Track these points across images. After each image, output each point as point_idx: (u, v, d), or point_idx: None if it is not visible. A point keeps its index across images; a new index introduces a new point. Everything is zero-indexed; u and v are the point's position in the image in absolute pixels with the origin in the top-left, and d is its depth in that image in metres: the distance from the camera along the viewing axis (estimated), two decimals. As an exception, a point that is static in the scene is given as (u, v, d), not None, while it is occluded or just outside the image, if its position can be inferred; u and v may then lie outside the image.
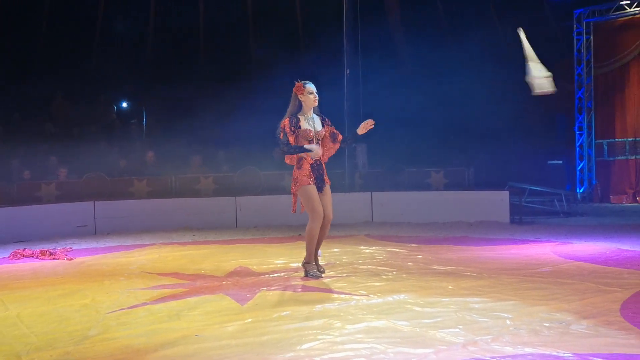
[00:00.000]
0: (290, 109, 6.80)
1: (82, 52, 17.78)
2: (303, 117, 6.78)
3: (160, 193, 13.69)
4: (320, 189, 6.76)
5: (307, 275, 6.78)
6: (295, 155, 6.78)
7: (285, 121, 6.75)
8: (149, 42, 18.50)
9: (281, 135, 6.77)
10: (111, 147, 15.47)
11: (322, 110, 6.95)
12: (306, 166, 6.72)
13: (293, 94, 6.80)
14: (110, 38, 18.17)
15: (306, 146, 6.70)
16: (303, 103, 6.77)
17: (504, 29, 17.15)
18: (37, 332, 4.85)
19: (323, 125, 6.87)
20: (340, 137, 6.97)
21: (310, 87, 6.79)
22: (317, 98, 6.80)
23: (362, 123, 6.83)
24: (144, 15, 18.26)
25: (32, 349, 4.43)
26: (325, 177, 6.84)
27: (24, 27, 17.24)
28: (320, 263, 7.02)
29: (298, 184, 6.73)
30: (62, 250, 9.26)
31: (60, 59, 17.02)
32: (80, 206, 12.10)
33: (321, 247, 7.09)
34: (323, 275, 6.82)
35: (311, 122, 6.80)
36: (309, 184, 6.70)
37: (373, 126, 6.80)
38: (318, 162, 6.80)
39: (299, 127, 6.71)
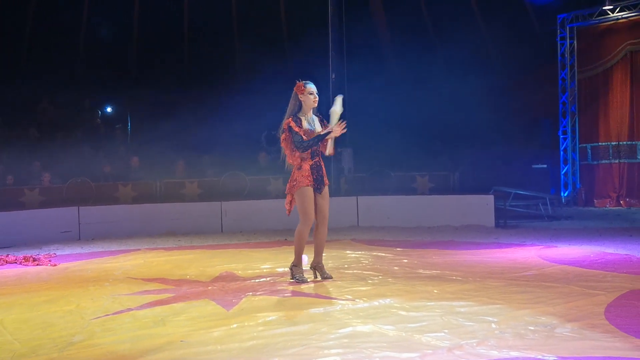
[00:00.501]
0: (290, 108, 6.70)
1: (67, 57, 17.70)
2: (304, 117, 6.67)
3: (145, 198, 13.63)
4: (319, 190, 6.68)
5: (292, 278, 6.76)
6: (298, 155, 6.63)
7: (289, 120, 6.63)
8: (133, 47, 18.45)
9: (283, 135, 6.64)
10: (95, 152, 15.40)
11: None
12: (306, 167, 6.63)
13: (293, 93, 6.69)
14: (94, 43, 18.10)
15: (324, 132, 6.56)
16: (303, 103, 6.66)
17: (489, 34, 17.28)
18: (20, 339, 4.81)
19: (322, 126, 6.76)
20: None
21: (311, 87, 6.70)
22: (317, 99, 6.71)
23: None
24: (127, 19, 18.21)
25: (16, 356, 4.39)
26: (325, 178, 6.76)
27: (7, 32, 17.14)
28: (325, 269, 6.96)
29: (296, 185, 6.63)
30: (45, 256, 9.19)
31: (44, 63, 16.94)
32: (65, 211, 12.00)
33: (305, 251, 7.05)
34: (331, 279, 6.75)
35: (311, 123, 6.69)
36: (308, 185, 6.62)
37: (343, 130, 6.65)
38: (317, 163, 6.70)
39: (301, 127, 6.59)
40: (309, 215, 6.63)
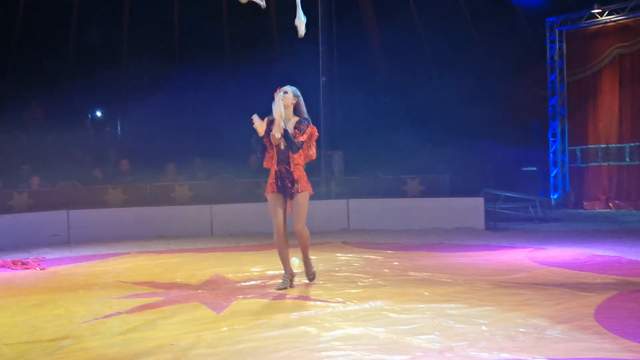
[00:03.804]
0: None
1: (56, 60, 17.62)
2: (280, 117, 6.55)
3: (135, 201, 13.57)
4: (290, 195, 6.57)
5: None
6: (270, 160, 6.60)
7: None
8: (123, 50, 18.39)
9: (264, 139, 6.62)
10: (85, 155, 15.32)
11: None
12: (271, 173, 6.62)
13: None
14: (83, 45, 18.02)
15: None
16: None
17: (479, 37, 17.32)
18: (9, 343, 4.78)
19: (294, 130, 6.53)
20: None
21: (284, 88, 6.58)
22: (287, 95, 6.50)
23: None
24: (117, 22, 18.15)
25: (4, 360, 4.37)
26: (297, 186, 6.53)
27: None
28: (295, 271, 6.92)
29: (266, 190, 6.70)
30: (34, 260, 9.13)
31: (33, 66, 16.85)
32: (54, 215, 11.93)
33: (295, 255, 7.02)
34: (289, 285, 6.59)
35: (286, 123, 6.53)
36: (271, 191, 6.60)
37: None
38: (284, 170, 6.54)
39: (270, 130, 6.51)
40: (273, 222, 6.59)
